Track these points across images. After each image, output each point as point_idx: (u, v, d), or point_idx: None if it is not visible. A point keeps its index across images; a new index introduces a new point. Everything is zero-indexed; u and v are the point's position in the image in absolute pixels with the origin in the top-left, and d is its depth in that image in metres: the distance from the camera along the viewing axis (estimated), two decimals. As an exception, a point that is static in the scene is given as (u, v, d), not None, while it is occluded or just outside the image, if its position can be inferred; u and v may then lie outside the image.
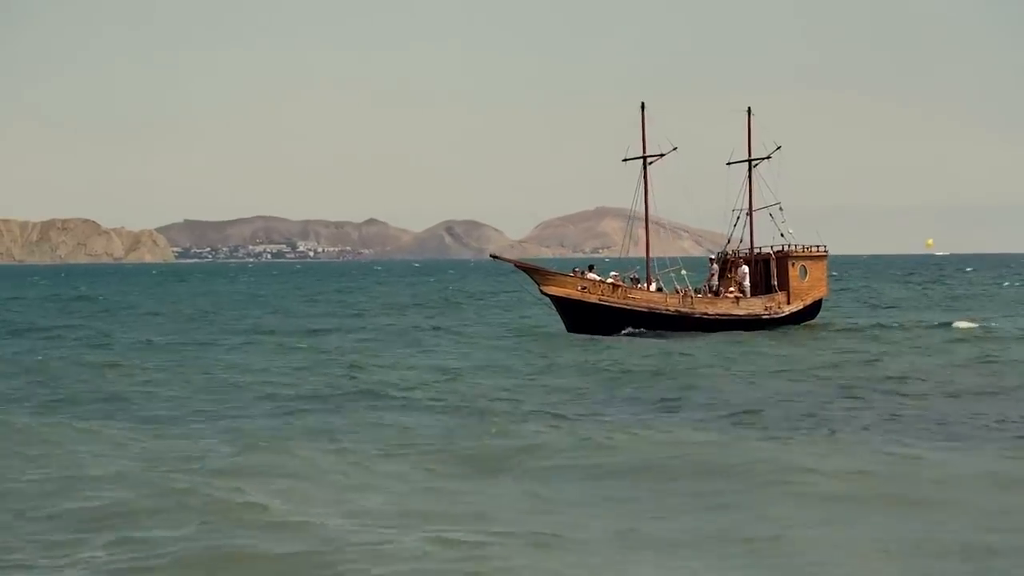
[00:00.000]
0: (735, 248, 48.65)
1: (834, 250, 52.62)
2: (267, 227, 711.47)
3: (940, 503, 15.23)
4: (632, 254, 49.83)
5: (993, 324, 47.20)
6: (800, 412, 23.50)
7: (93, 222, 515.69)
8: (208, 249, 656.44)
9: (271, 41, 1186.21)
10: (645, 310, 44.36)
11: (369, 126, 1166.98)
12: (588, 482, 16.90)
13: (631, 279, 45.28)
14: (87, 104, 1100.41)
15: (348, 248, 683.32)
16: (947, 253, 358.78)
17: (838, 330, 45.69)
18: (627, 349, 37.67)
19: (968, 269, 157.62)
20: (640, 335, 43.27)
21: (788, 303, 47.87)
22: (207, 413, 24.05)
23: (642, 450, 18.94)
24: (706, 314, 45.22)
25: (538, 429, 21.09)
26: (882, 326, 47.46)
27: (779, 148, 49.58)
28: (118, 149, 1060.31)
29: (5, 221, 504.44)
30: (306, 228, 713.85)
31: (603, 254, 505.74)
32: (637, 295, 44.53)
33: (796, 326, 47.07)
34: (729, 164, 50.06)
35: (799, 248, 48.81)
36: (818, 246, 49.43)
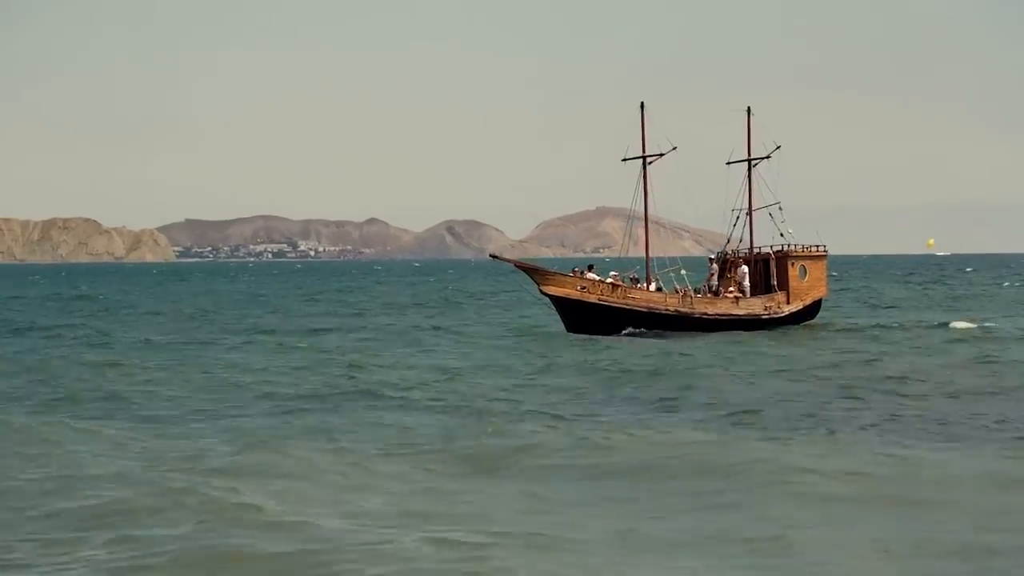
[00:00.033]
0: (735, 248, 48.62)
1: (834, 250, 52.62)
2: (268, 226, 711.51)
3: (940, 503, 15.22)
4: (632, 254, 49.82)
5: (993, 324, 47.20)
6: (800, 412, 23.49)
7: (94, 221, 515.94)
8: (209, 248, 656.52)
9: (271, 41, 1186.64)
10: (645, 310, 44.35)
11: (369, 126, 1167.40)
12: (587, 482, 16.89)
13: (631, 279, 45.27)
14: (87, 104, 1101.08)
15: (349, 248, 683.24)
16: (948, 253, 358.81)
17: (838, 330, 45.68)
18: (626, 349, 37.66)
19: (968, 269, 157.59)
20: (640, 335, 43.27)
21: (788, 303, 47.86)
22: (207, 412, 24.05)
23: (641, 450, 18.93)
24: (706, 314, 45.21)
25: (537, 429, 21.09)
26: (882, 326, 47.45)
27: (779, 148, 49.60)
28: (118, 149, 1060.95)
29: (6, 220, 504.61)
30: (307, 228, 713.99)
31: (603, 254, 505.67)
32: (637, 295, 44.52)
33: (796, 326, 47.05)
34: (729, 164, 50.08)
35: (799, 248, 48.79)
36: (818, 246, 49.42)
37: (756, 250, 48.82)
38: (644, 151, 46.85)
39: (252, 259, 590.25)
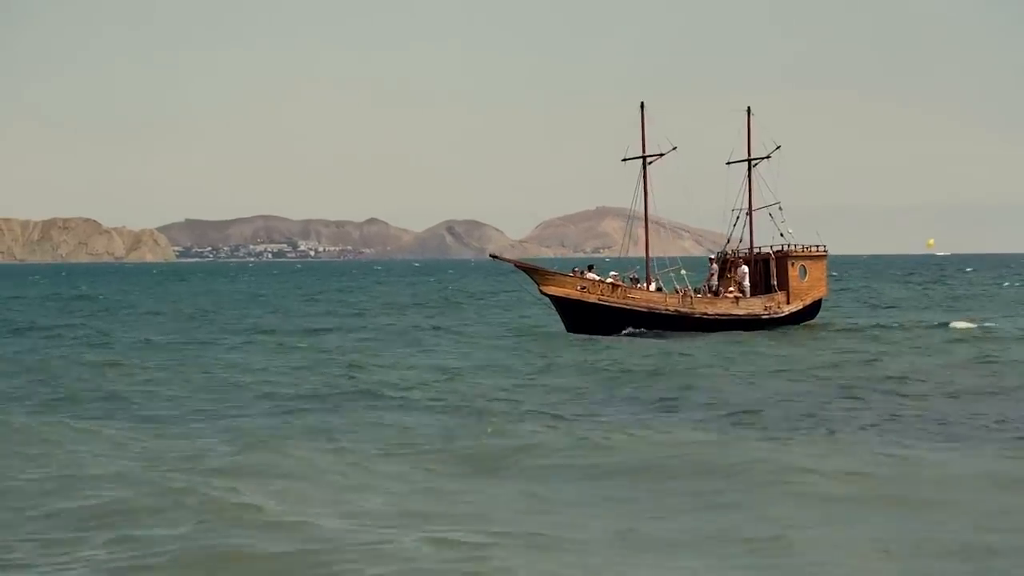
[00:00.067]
0: (735, 248, 48.62)
1: (834, 250, 52.60)
2: (268, 226, 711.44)
3: (940, 503, 15.22)
4: (632, 254, 49.83)
5: (993, 324, 47.19)
6: (799, 412, 23.48)
7: (94, 221, 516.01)
8: (209, 248, 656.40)
9: (271, 41, 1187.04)
10: (645, 310, 44.35)
11: (369, 126, 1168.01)
12: (587, 482, 16.88)
13: (630, 279, 45.27)
14: (87, 104, 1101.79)
15: (349, 247, 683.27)
16: (948, 253, 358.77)
17: (838, 330, 45.67)
18: (626, 349, 37.66)
19: (968, 269, 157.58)
20: (640, 335, 43.26)
21: (788, 303, 47.85)
22: (207, 412, 24.04)
23: (641, 450, 18.92)
24: (706, 314, 45.20)
25: (537, 429, 21.08)
26: (882, 326, 47.44)
27: (779, 148, 49.59)
28: (118, 149, 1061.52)
29: (6, 220, 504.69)
30: (307, 227, 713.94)
31: (604, 254, 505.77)
32: (636, 295, 44.51)
33: (796, 326, 47.05)
34: (729, 164, 50.07)
35: (799, 248, 48.78)
36: (818, 246, 49.41)
37: (756, 250, 48.81)
38: (644, 151, 46.85)
39: (252, 259, 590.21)
